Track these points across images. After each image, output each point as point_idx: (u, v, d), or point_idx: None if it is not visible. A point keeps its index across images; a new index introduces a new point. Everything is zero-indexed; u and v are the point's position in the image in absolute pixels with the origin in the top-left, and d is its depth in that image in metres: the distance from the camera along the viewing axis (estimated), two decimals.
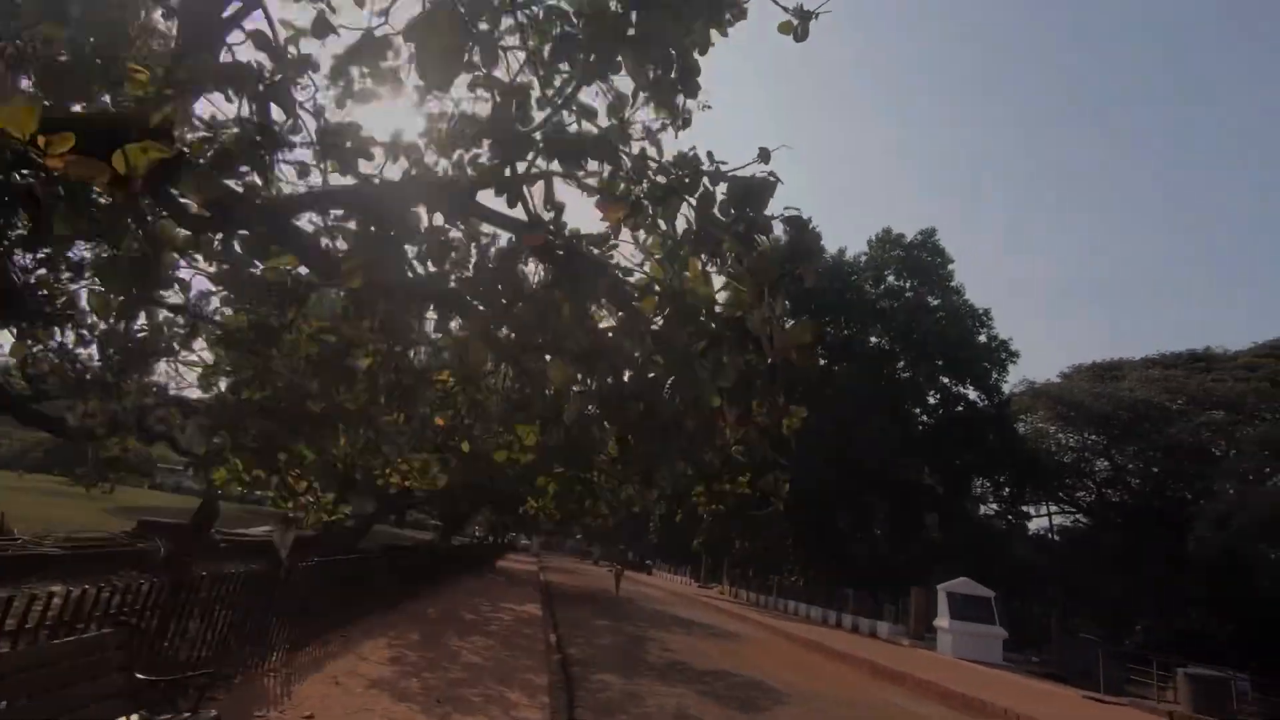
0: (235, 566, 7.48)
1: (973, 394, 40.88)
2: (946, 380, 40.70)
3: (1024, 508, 43.32)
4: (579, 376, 3.06)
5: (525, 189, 3.37)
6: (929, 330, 39.31)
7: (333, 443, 6.77)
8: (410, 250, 4.30)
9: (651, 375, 2.79)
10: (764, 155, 2.60)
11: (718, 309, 2.51)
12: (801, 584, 34.42)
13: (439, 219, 4.47)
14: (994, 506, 44.17)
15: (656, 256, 3.11)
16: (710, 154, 2.71)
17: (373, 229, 2.94)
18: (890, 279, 42.43)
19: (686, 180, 2.68)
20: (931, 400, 41.26)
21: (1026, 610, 29.42)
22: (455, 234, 5.77)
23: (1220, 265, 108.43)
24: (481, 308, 3.95)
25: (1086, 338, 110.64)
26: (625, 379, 2.95)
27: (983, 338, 41.15)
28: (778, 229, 3.22)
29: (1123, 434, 40.69)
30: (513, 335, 4.37)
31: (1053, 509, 46.22)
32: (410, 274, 3.59)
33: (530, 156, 2.97)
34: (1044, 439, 44.77)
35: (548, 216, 3.01)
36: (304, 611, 8.30)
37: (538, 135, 3.18)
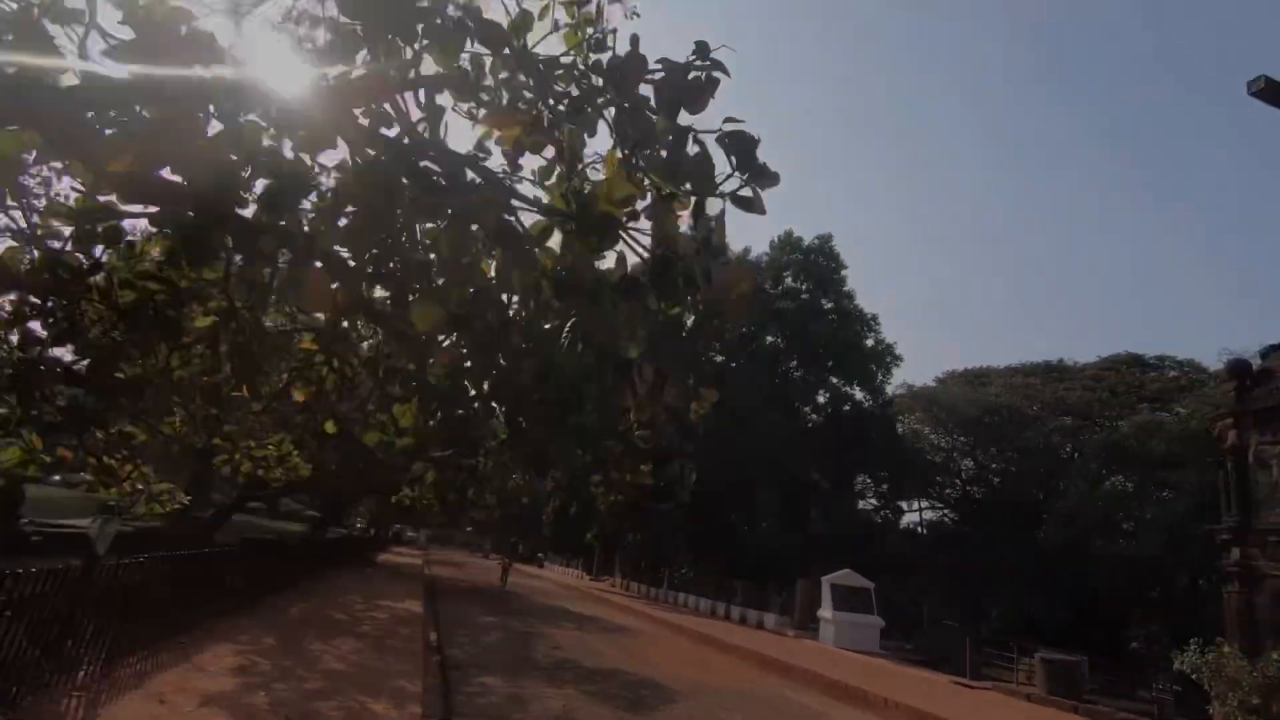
0: (47, 563, 6.21)
1: (859, 394, 42.89)
2: (836, 380, 42.46)
3: (899, 503, 46.01)
4: (456, 332, 2.43)
5: (399, 97, 2.69)
6: (821, 332, 40.85)
7: (164, 419, 5.69)
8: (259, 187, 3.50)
9: (548, 325, 2.23)
10: (702, 50, 2.08)
11: (634, 226, 1.97)
12: (692, 576, 34.77)
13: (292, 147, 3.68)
14: (873, 501, 46.72)
15: (560, 192, 2.51)
16: (634, 39, 2.15)
17: (170, 115, 2.17)
18: (788, 280, 43.73)
19: (602, 86, 2.12)
20: (821, 399, 42.96)
21: (899, 599, 31.10)
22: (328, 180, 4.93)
23: (1072, 283, 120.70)
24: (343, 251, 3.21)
25: (960, 342, 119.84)
26: (514, 331, 2.36)
27: (870, 341, 43.27)
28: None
29: (987, 436, 44.07)
30: (382, 289, 3.65)
31: (923, 504, 49.54)
32: (244, 196, 2.80)
33: (410, 43, 2.31)
34: (919, 439, 47.84)
35: (422, 127, 2.37)
36: (128, 616, 7.06)
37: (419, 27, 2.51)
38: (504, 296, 2.31)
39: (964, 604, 35.27)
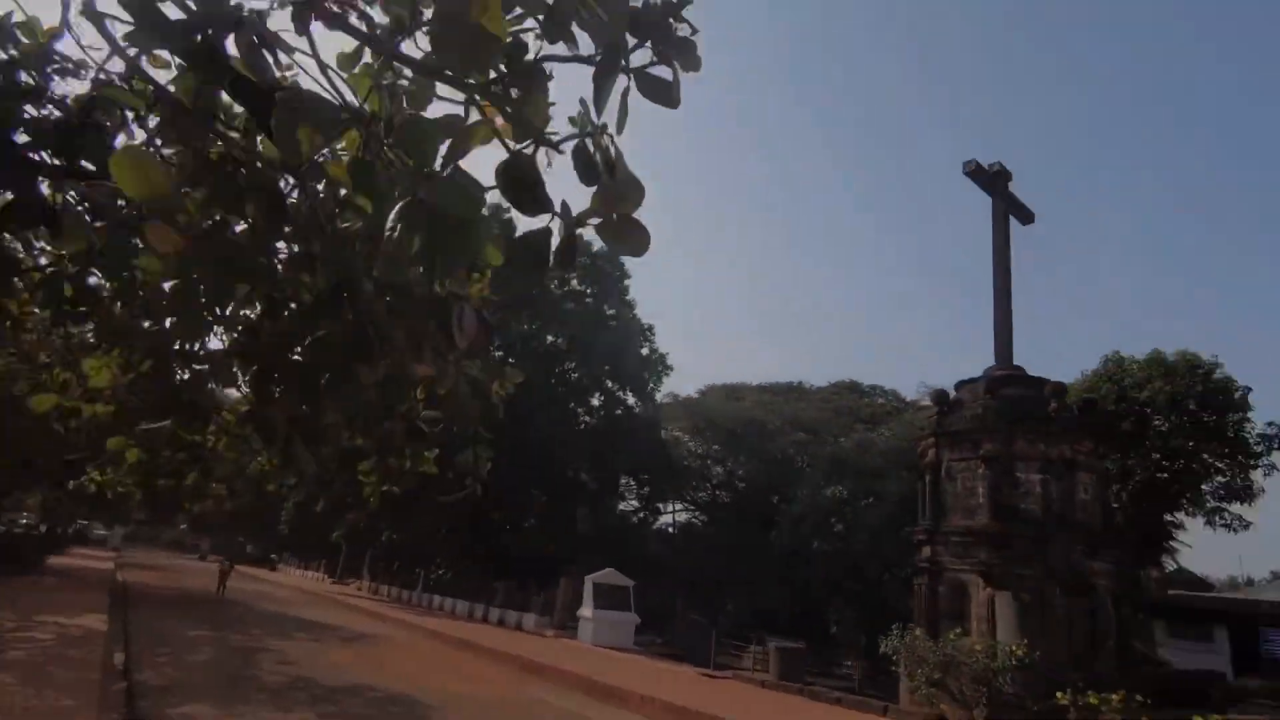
0: None
1: (631, 400, 44.71)
2: (611, 385, 43.78)
3: (658, 505, 48.74)
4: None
5: None
6: (602, 337, 41.92)
7: None
8: None
9: (346, 225, 1.55)
10: None
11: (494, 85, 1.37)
12: (450, 577, 33.23)
13: None
14: (634, 503, 48.91)
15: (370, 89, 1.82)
16: None
17: None
18: (574, 283, 44.21)
19: None
20: (595, 402, 43.98)
21: (653, 596, 32.74)
22: None
23: (819, 316, 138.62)
24: None
25: (722, 358, 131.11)
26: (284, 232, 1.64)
27: (645, 350, 45.40)
28: None
29: (737, 446, 48.60)
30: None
31: (678, 507, 53.13)
32: None
33: None
34: (679, 445, 51.28)
35: None
36: None
37: None
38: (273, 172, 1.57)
39: (708, 599, 38.21)
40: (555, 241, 1.55)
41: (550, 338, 42.83)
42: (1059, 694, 11.01)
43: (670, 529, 51.65)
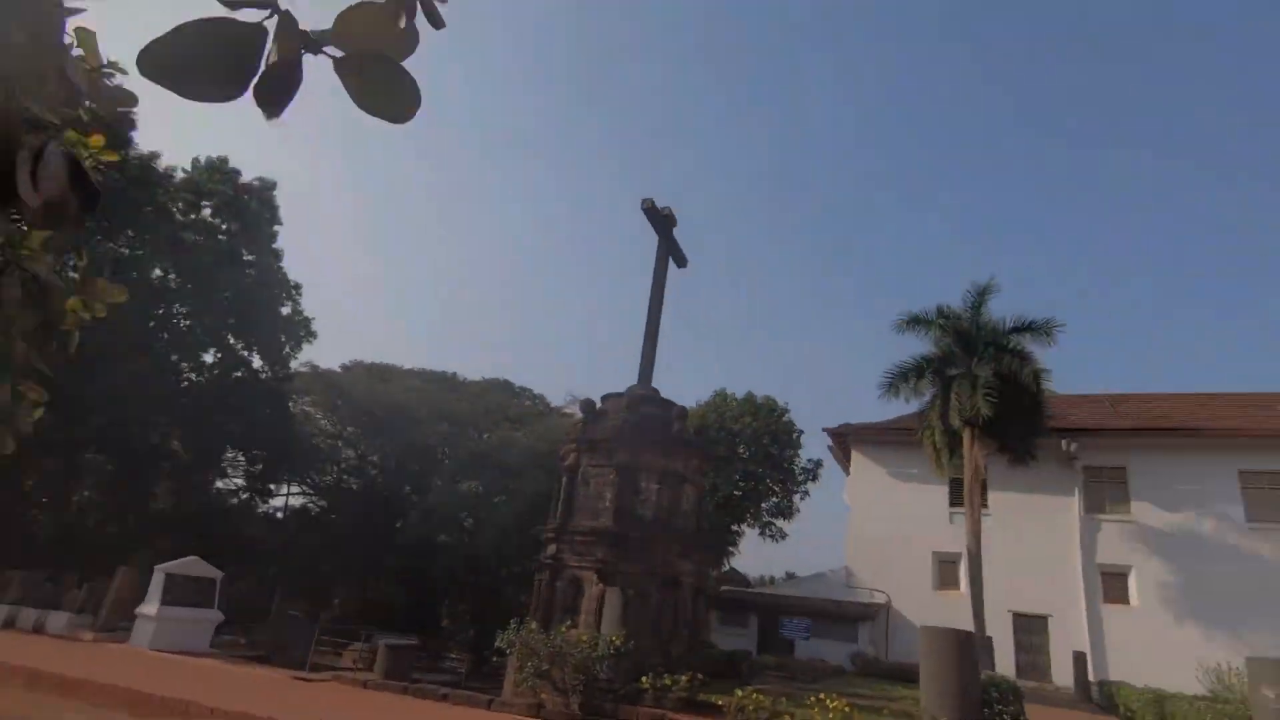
0: None
1: (258, 363, 38.58)
2: (234, 341, 37.13)
3: (270, 485, 42.62)
4: None
5: None
6: (233, 283, 35.45)
7: None
8: None
9: None
10: None
11: None
12: None
13: None
14: (239, 480, 41.91)
15: None
16: None
17: None
18: (207, 213, 36.59)
19: None
20: (209, 358, 36.73)
21: (249, 588, 28.43)
22: None
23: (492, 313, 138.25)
24: None
25: (373, 337, 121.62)
26: None
27: (287, 310, 39.65)
28: None
29: (377, 431, 45.45)
30: None
31: (293, 489, 47.27)
32: None
33: None
34: (309, 422, 45.87)
35: None
36: None
37: None
38: None
39: (315, 591, 34.79)
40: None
41: (158, 270, 34.49)
42: (643, 678, 12.49)
43: (279, 513, 45.61)
